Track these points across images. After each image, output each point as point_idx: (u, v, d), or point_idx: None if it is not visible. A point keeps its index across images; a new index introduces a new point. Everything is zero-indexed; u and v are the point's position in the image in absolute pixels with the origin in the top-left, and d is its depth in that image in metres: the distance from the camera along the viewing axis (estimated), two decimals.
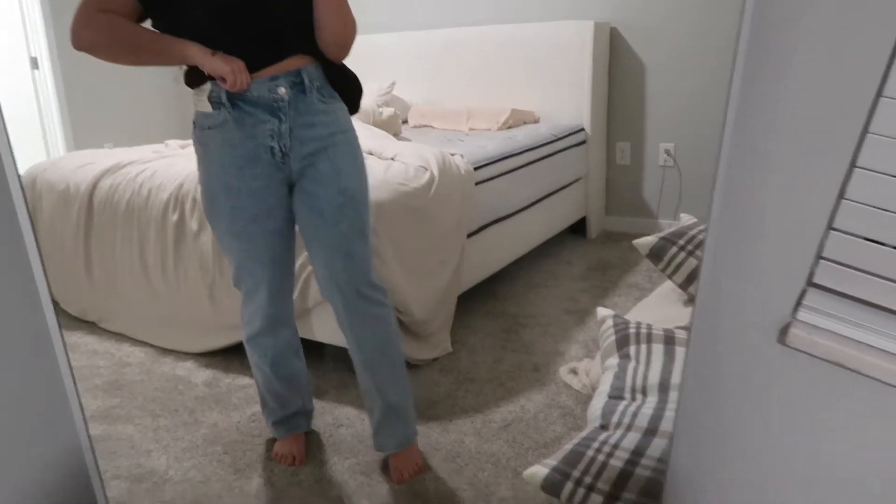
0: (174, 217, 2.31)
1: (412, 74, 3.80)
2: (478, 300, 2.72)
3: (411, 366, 2.17)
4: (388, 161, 2.27)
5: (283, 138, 1.42)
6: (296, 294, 2.05)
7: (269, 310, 1.59)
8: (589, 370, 1.99)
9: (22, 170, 2.85)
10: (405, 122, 3.69)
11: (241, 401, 2.05)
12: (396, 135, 3.02)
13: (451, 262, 2.29)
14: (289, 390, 1.73)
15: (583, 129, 3.36)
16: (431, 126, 3.54)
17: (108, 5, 1.33)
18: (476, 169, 2.46)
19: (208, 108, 1.41)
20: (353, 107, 1.54)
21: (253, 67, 1.38)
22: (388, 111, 3.09)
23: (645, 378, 1.51)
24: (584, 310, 2.60)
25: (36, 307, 0.92)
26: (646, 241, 1.88)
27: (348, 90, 1.51)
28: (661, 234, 1.87)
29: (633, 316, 1.94)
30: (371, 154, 2.39)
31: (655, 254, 1.87)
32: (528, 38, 3.45)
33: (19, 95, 4.34)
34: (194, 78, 1.42)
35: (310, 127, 1.43)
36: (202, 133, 1.44)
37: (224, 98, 1.39)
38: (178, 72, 4.63)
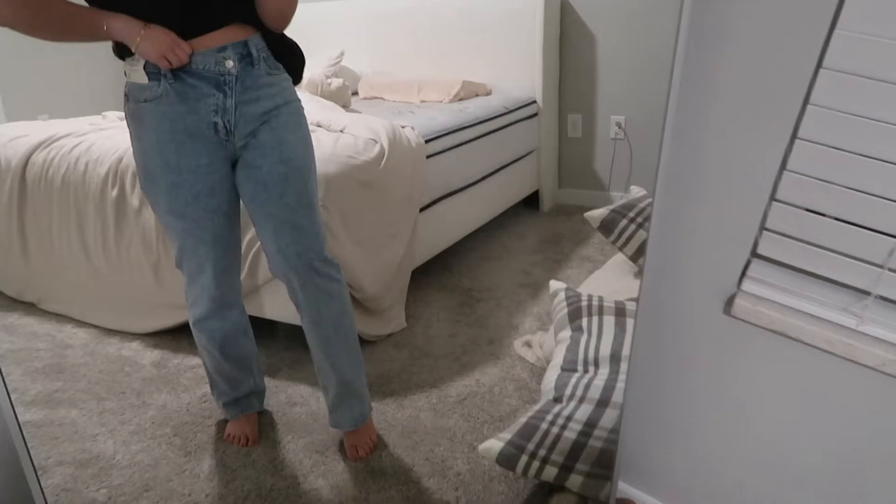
0: (114, 193, 2.22)
1: (362, 44, 3.72)
2: (432, 275, 2.71)
3: (365, 342, 2.16)
4: (337, 133, 2.22)
5: (228, 114, 1.35)
6: (244, 273, 2.01)
7: (215, 291, 1.53)
8: (542, 343, 2.01)
9: None
10: (355, 93, 3.62)
11: (191, 381, 2.00)
12: (346, 106, 2.96)
13: (403, 236, 2.27)
14: (239, 371, 1.69)
15: (535, 102, 3.35)
16: (382, 98, 3.48)
17: None
18: (427, 142, 2.43)
19: (144, 79, 1.32)
20: (297, 77, 1.49)
21: (195, 32, 1.29)
22: (336, 82, 3.02)
23: (597, 350, 1.53)
24: (538, 283, 2.62)
25: None
26: (597, 214, 1.90)
27: (292, 60, 1.46)
28: (612, 207, 1.89)
29: (585, 288, 1.96)
30: (319, 126, 2.33)
31: (606, 226, 1.89)
32: (480, 7, 3.41)
33: None
34: (124, 48, 1.32)
35: (255, 102, 1.37)
36: (136, 106, 1.35)
37: (163, 69, 1.30)
38: None
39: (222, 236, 1.48)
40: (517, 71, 3.39)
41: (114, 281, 2.32)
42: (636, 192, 2.20)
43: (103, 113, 2.96)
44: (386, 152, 2.15)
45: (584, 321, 1.60)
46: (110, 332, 2.34)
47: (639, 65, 3.35)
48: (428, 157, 2.42)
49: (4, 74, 4.16)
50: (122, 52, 1.34)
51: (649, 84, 3.34)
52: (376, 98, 3.51)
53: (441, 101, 3.24)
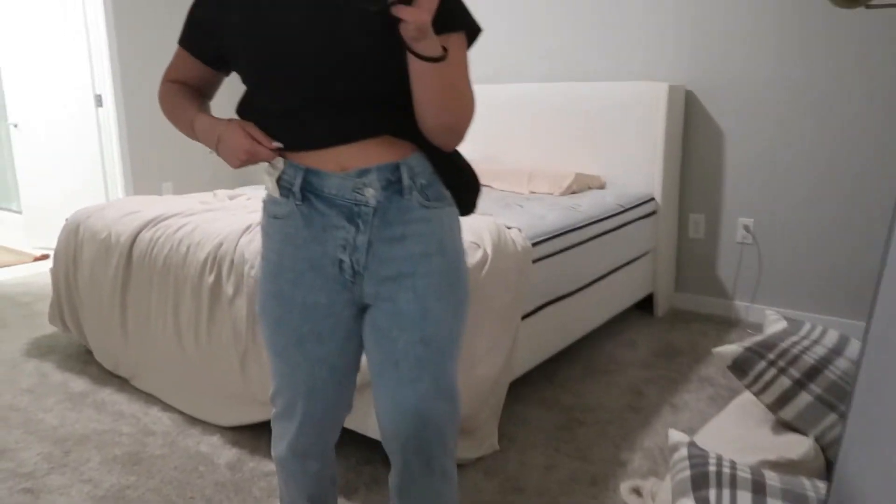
0: (210, 278, 2.18)
1: (472, 130, 3.64)
2: (531, 385, 2.48)
3: None
4: None
5: (358, 252, 1.11)
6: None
7: (297, 443, 1.26)
8: (655, 493, 1.72)
9: (72, 207, 2.79)
10: None
11: (263, 493, 1.85)
12: None
13: (503, 348, 2.07)
14: None
15: (653, 199, 3.11)
16: (490, 186, 3.36)
17: (177, 74, 1.22)
18: (534, 244, 2.25)
19: (275, 191, 1.14)
20: (467, 208, 1.22)
21: (328, 142, 1.08)
22: None
23: None
24: (650, 407, 2.33)
25: None
26: (727, 351, 1.63)
27: (462, 187, 1.19)
28: (747, 345, 1.62)
29: (707, 436, 1.67)
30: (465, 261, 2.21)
31: (739, 367, 1.62)
32: (595, 97, 3.26)
33: (82, 132, 4.39)
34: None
35: (397, 242, 1.11)
36: (267, 221, 1.18)
37: (297, 185, 1.11)
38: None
39: (320, 391, 1.22)
40: (635, 165, 3.18)
41: (201, 367, 2.26)
42: (772, 319, 1.90)
43: (215, 191, 3.00)
44: (489, 258, 1.98)
45: (713, 493, 1.33)
46: (193, 421, 2.26)
47: (772, 165, 3.05)
48: (534, 261, 2.24)
49: (133, 143, 4.40)
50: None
51: (783, 184, 3.03)
52: (485, 186, 3.40)
53: (552, 194, 3.08)
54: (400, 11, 0.93)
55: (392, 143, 1.10)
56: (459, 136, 1.11)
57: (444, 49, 1.00)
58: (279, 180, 1.13)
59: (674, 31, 3.18)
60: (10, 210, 5.61)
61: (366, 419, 1.88)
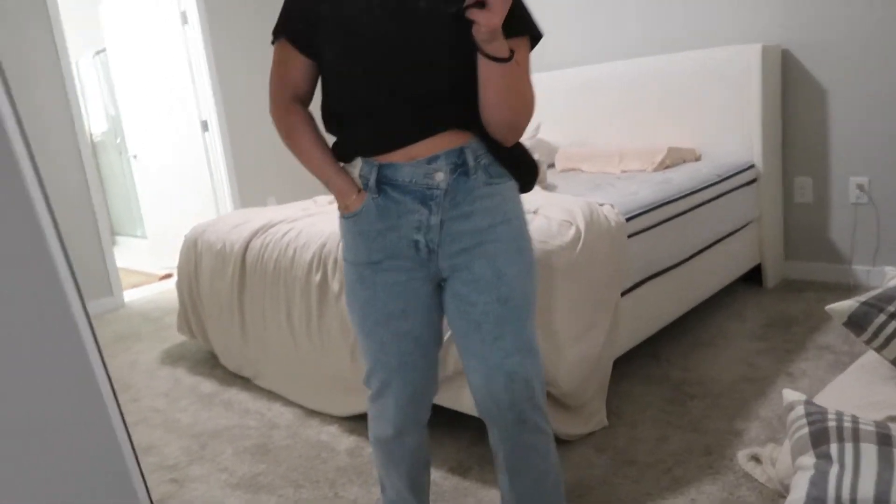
0: (317, 277, 2.31)
1: (558, 115, 3.63)
2: (636, 363, 2.45)
3: (561, 441, 1.97)
4: (530, 215, 2.11)
5: (432, 232, 1.21)
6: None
7: (395, 418, 1.35)
8: (775, 459, 1.67)
9: (189, 227, 3.03)
10: (552, 166, 3.53)
11: None
12: (541, 182, 2.86)
13: (603, 325, 2.06)
14: (409, 493, 1.47)
15: (753, 167, 2.99)
16: (580, 169, 3.34)
17: (283, 79, 1.27)
18: (628, 220, 2.23)
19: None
20: (527, 185, 1.31)
21: (406, 141, 1.18)
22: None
23: (853, 489, 1.20)
24: (765, 377, 2.25)
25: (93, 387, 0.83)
26: (842, 307, 1.55)
27: (520, 166, 1.27)
28: (862, 299, 1.54)
29: (828, 398, 1.60)
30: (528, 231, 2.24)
31: (856, 322, 1.54)
32: (683, 68, 3.17)
33: (191, 156, 4.72)
34: (339, 154, 1.27)
35: (466, 218, 1.21)
36: (340, 222, 1.30)
37: (372, 179, 1.21)
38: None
39: (410, 363, 1.31)
40: (731, 134, 3.07)
41: (315, 362, 2.39)
42: (892, 274, 1.80)
43: (314, 198, 3.16)
44: (582, 235, 1.99)
45: (834, 448, 1.28)
46: (312, 413, 2.39)
47: (883, 120, 2.86)
48: (629, 236, 2.22)
49: (239, 163, 4.69)
50: (340, 156, 1.28)
51: None
52: (574, 170, 3.38)
53: (644, 171, 3.02)
54: (474, 14, 1.00)
55: (455, 133, 1.19)
56: (519, 132, 1.20)
57: (511, 51, 1.08)
58: (360, 173, 1.23)
59: None
60: (136, 236, 6.11)
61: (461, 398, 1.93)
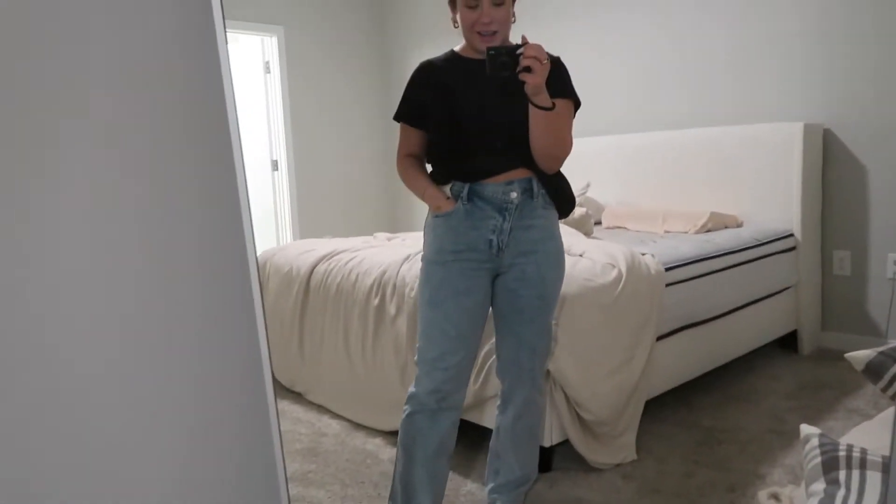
0: (376, 301, 2.52)
1: (607, 176, 3.85)
2: (668, 408, 2.57)
3: (592, 469, 2.10)
4: (577, 257, 2.30)
5: (503, 234, 1.61)
6: (478, 383, 2.11)
7: (442, 387, 1.63)
8: (793, 497, 1.77)
9: (258, 254, 3.31)
10: (598, 223, 3.72)
11: None
12: (587, 234, 3.05)
13: (638, 363, 2.21)
14: (427, 483, 1.67)
15: (792, 235, 3.14)
16: (625, 227, 3.53)
17: (407, 147, 1.73)
18: (668, 269, 2.40)
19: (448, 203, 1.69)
20: (564, 213, 1.73)
21: (493, 172, 1.61)
22: (579, 211, 3.15)
23: None
24: (792, 431, 2.34)
25: (259, 379, 1.05)
26: (861, 355, 1.68)
27: (564, 198, 1.70)
28: (881, 349, 1.67)
29: (847, 439, 1.71)
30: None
31: (873, 370, 1.66)
32: (728, 140, 3.37)
33: (260, 192, 5.07)
34: (438, 179, 1.68)
35: (527, 229, 1.63)
36: (434, 219, 1.67)
37: (464, 193, 1.62)
38: (388, 180, 5.16)
39: (464, 335, 1.64)
40: (771, 203, 3.23)
41: (366, 380, 2.58)
42: None
43: (374, 234, 3.41)
44: (623, 277, 2.17)
45: (843, 474, 1.39)
46: (359, 426, 2.57)
47: None
48: (668, 285, 2.38)
49: (302, 201, 5.02)
50: (437, 181, 1.68)
51: None
52: (619, 227, 3.57)
53: (686, 232, 3.19)
54: (524, 76, 1.46)
55: (524, 169, 1.64)
56: (558, 163, 1.64)
57: (554, 104, 1.52)
58: (451, 190, 1.67)
59: (804, 70, 3.25)
60: None
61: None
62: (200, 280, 0.95)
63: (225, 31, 0.89)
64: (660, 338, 2.37)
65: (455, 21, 1.63)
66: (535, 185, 1.63)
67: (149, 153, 0.85)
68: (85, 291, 0.83)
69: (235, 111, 0.85)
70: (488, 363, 2.09)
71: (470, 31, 1.58)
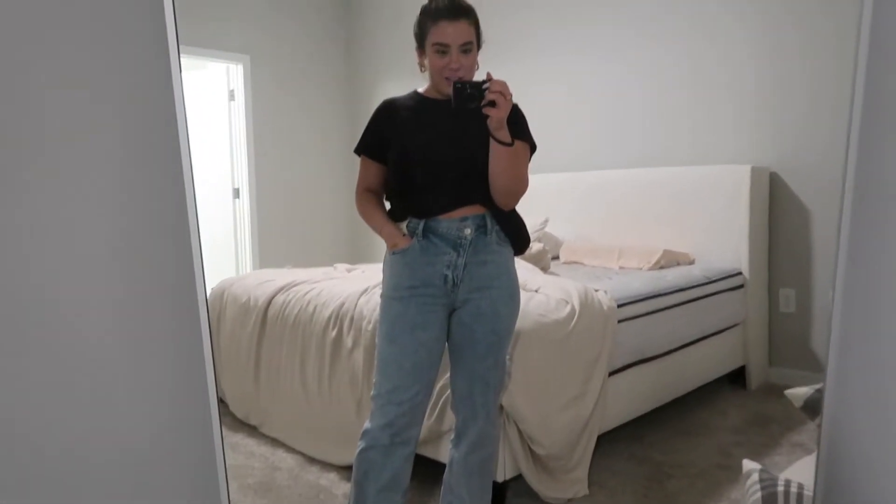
0: (333, 333, 2.52)
1: (565, 212, 3.94)
2: (620, 442, 2.62)
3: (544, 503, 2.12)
4: (532, 293, 2.35)
5: (458, 270, 1.65)
6: (433, 417, 2.12)
7: (396, 422, 1.64)
8: None
9: (215, 282, 3.28)
10: (556, 258, 3.79)
11: None
12: (544, 269, 3.11)
13: (590, 398, 2.25)
14: None
15: (740, 273, 3.25)
16: (582, 263, 3.60)
17: (366, 180, 1.78)
18: (620, 306, 2.46)
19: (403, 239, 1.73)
20: (519, 250, 1.77)
21: (447, 208, 1.66)
22: (537, 246, 3.21)
23: None
24: (738, 466, 2.40)
25: (205, 409, 1.05)
26: (800, 392, 1.75)
27: (518, 236, 1.74)
28: (818, 386, 1.74)
29: (789, 475, 1.77)
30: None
31: (811, 407, 1.73)
32: (682, 180, 3.49)
33: (220, 220, 5.03)
34: (395, 216, 1.74)
35: (482, 265, 1.67)
36: (391, 256, 1.71)
37: (420, 230, 1.66)
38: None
39: (419, 369, 1.65)
40: (721, 242, 3.34)
41: (322, 413, 2.57)
42: None
43: (335, 265, 3.42)
44: (577, 313, 2.22)
45: None
46: (313, 460, 2.55)
47: None
48: (621, 321, 2.44)
49: (263, 230, 5.00)
50: (395, 217, 1.72)
51: None
52: (576, 262, 3.64)
53: (640, 269, 3.27)
54: (488, 110, 1.52)
55: (479, 205, 1.68)
56: (515, 200, 1.68)
57: (513, 140, 1.59)
58: (407, 227, 1.71)
59: (755, 116, 3.40)
60: None
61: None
62: (147, 307, 0.95)
63: (179, 59, 0.91)
64: (612, 373, 2.42)
65: (422, 65, 1.69)
66: (489, 222, 1.67)
67: (99, 179, 0.86)
68: (30, 322, 0.83)
69: (188, 139, 0.87)
70: (443, 397, 2.11)
71: (438, 75, 1.65)
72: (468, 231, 1.65)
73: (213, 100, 5.05)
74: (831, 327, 1.00)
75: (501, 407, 2.01)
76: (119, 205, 0.88)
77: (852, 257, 0.96)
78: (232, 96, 4.95)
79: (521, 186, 1.66)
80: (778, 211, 3.39)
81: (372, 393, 1.70)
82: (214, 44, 4.77)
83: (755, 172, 3.23)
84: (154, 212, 0.91)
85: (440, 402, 2.12)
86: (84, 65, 0.83)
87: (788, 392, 1.79)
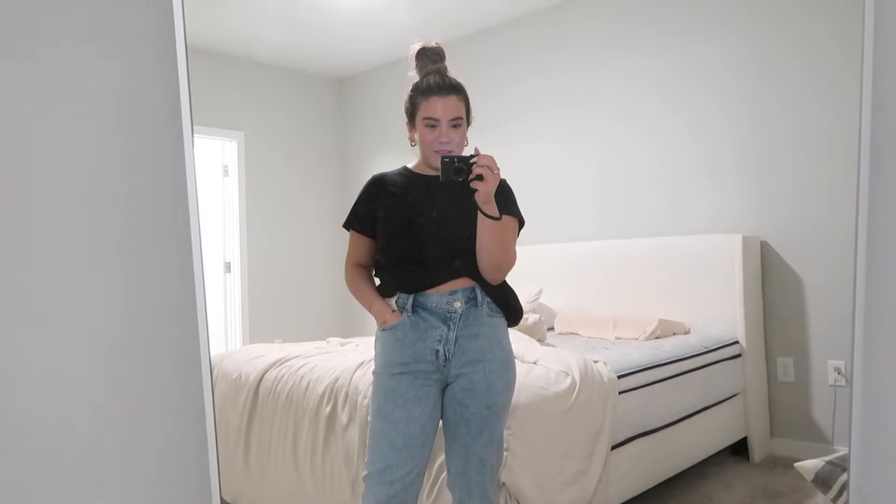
0: (327, 409, 2.45)
1: (559, 283, 3.93)
2: None
3: None
4: (531, 364, 2.31)
5: (449, 344, 1.64)
6: (431, 498, 2.04)
7: (389, 503, 1.59)
8: None
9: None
10: (551, 329, 3.76)
11: None
12: (541, 340, 3.07)
13: (594, 473, 2.18)
14: None
15: (737, 342, 3.22)
16: (577, 333, 3.57)
17: (355, 255, 1.79)
18: (620, 377, 2.42)
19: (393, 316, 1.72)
20: (513, 322, 1.76)
21: (436, 282, 1.65)
22: (533, 317, 3.19)
23: None
24: None
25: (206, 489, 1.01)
26: (810, 465, 1.70)
27: (510, 307, 1.73)
28: (828, 458, 1.69)
29: None
30: (514, 357, 2.45)
31: (822, 480, 1.68)
32: (675, 250, 3.51)
33: (211, 295, 4.99)
34: (384, 290, 1.73)
35: (474, 338, 1.65)
36: (381, 332, 1.70)
37: (409, 305, 1.65)
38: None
39: (412, 446, 1.61)
40: (717, 311, 3.33)
41: (316, 492, 2.46)
42: None
43: (327, 339, 3.37)
44: (577, 385, 2.18)
45: None
46: None
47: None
48: (621, 392, 2.40)
49: (253, 304, 4.96)
50: (383, 293, 1.72)
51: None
52: (572, 333, 3.61)
53: (636, 339, 3.25)
54: (475, 184, 1.54)
55: (468, 278, 1.67)
56: (502, 274, 1.67)
57: (501, 215, 1.59)
58: (396, 303, 1.70)
59: (745, 186, 3.46)
60: None
61: None
62: (152, 384, 0.92)
63: (193, 143, 0.91)
64: (614, 447, 2.35)
65: (412, 140, 1.71)
66: (479, 294, 1.66)
67: (105, 255, 0.85)
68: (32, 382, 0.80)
69: (198, 214, 0.86)
70: (442, 476, 2.03)
71: (428, 149, 1.67)
72: (458, 304, 1.64)
73: (207, 175, 5.10)
74: (851, 405, 0.98)
75: (502, 484, 1.94)
76: (123, 282, 0.86)
77: (868, 329, 0.95)
78: (226, 172, 5.01)
79: (508, 260, 1.66)
80: (771, 280, 3.40)
81: (363, 472, 1.66)
82: (209, 120, 4.86)
83: (746, 241, 3.26)
84: (158, 287, 0.90)
85: (439, 481, 2.04)
86: (103, 146, 0.84)
87: (798, 465, 1.74)
